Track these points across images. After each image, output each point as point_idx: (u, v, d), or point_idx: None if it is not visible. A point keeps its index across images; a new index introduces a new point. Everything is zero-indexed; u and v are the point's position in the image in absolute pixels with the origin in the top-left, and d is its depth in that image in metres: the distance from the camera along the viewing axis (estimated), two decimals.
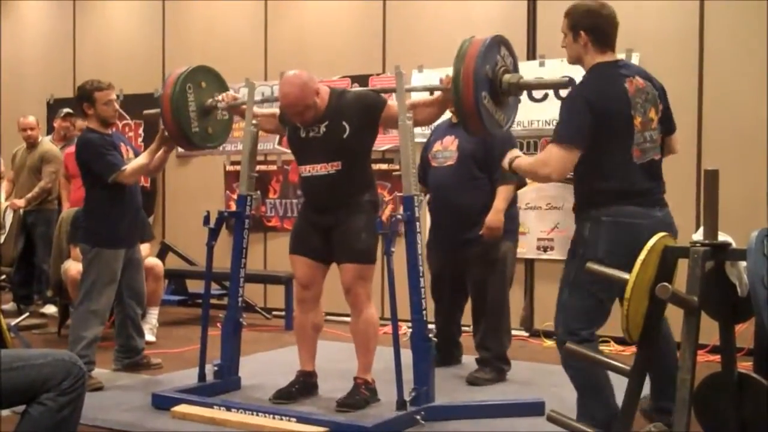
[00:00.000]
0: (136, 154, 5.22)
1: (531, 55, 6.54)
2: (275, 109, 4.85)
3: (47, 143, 7.79)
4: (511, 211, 5.05)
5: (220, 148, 5.12)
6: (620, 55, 3.78)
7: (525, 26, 6.60)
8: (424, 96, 4.65)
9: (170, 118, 4.83)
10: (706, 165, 3.92)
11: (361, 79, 7.13)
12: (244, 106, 4.86)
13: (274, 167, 7.73)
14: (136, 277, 5.27)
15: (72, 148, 7.26)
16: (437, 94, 4.42)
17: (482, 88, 3.87)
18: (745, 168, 5.70)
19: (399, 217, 4.19)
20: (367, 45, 7.28)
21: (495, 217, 4.87)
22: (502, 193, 4.90)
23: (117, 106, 5.12)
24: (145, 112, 5.35)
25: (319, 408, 4.36)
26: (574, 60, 3.67)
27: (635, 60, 6.04)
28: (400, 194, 4.28)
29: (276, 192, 7.73)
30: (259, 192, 5.03)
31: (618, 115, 3.46)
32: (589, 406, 3.60)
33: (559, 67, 6.30)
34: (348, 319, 4.68)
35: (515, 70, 4.08)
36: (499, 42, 4.02)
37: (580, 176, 3.60)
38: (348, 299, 4.43)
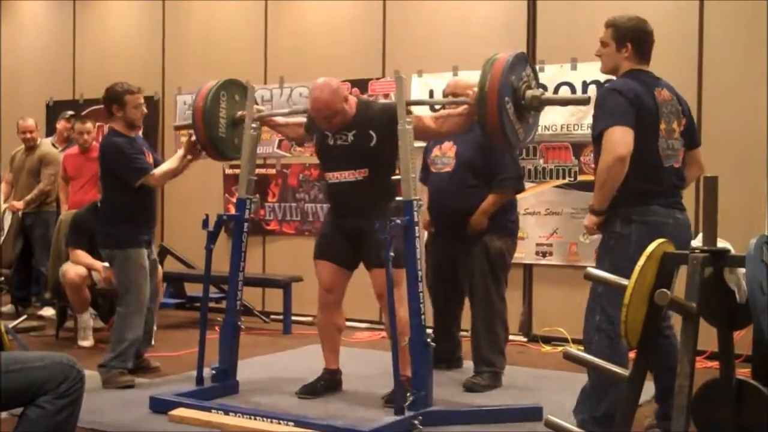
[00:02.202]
0: (155, 160, 5.29)
1: (530, 60, 6.53)
2: (301, 118, 4.95)
3: (46, 145, 7.79)
4: (510, 216, 5.07)
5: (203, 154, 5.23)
6: None
7: (525, 31, 6.60)
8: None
9: (202, 130, 4.93)
10: (706, 170, 3.92)
11: (361, 83, 7.13)
12: (270, 119, 5.04)
13: (273, 171, 7.73)
14: (155, 277, 5.35)
15: (71, 150, 7.30)
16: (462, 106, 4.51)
17: (506, 102, 4.02)
18: (745, 174, 5.71)
19: (398, 221, 4.18)
20: (366, 49, 7.29)
21: (478, 218, 4.93)
22: (493, 198, 4.94)
23: (144, 110, 5.21)
24: (176, 124, 5.40)
25: (318, 412, 4.36)
26: (611, 69, 3.84)
27: None
28: (399, 198, 4.28)
29: (275, 196, 7.73)
30: (258, 195, 5.06)
31: (648, 116, 3.63)
32: (596, 397, 3.69)
33: (558, 73, 6.32)
34: (351, 324, 4.68)
35: (537, 87, 4.25)
36: (523, 59, 4.22)
37: None
38: (381, 303, 4.60)
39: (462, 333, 5.50)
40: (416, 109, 4.75)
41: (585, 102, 4.26)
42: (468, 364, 5.35)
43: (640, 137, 3.59)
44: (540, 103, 4.18)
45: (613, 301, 3.56)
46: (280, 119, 5.09)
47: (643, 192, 3.64)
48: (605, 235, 3.74)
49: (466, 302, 5.24)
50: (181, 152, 5.15)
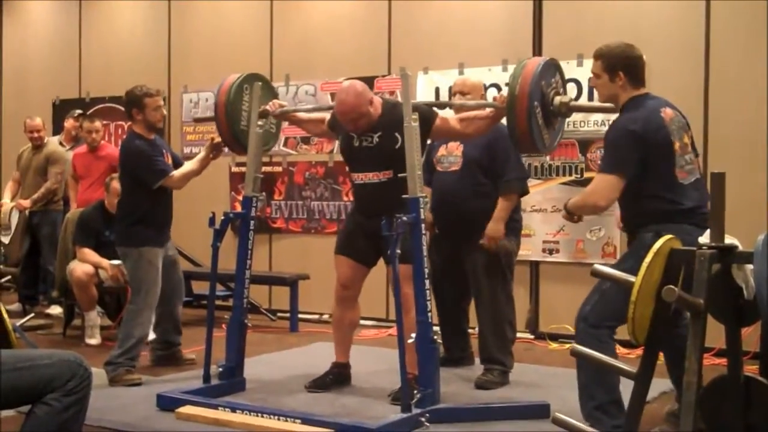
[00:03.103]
0: (174, 159, 5.35)
1: (549, 57, 6.52)
2: (323, 114, 5.01)
3: (53, 144, 7.80)
4: (515, 215, 5.07)
5: (225, 149, 5.26)
6: None
7: (531, 28, 6.59)
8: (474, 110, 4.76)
9: (225, 124, 4.97)
10: (713, 168, 3.91)
11: (366, 81, 7.07)
12: (293, 114, 5.10)
13: (279, 169, 7.73)
14: (175, 272, 5.40)
15: (81, 149, 7.31)
16: (488, 109, 4.57)
17: (535, 107, 4.07)
18: (752, 171, 5.69)
19: (405, 219, 4.18)
20: (372, 46, 7.28)
21: (495, 226, 4.92)
22: (503, 204, 4.93)
23: (164, 112, 5.27)
24: (196, 117, 5.39)
25: (325, 409, 4.36)
26: (608, 99, 3.90)
27: None
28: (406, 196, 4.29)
29: (281, 193, 7.73)
30: (264, 193, 5.07)
31: (662, 140, 3.71)
32: (591, 387, 3.73)
33: (564, 69, 6.27)
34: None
35: (565, 93, 4.32)
36: (552, 65, 4.28)
37: (631, 198, 3.78)
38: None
39: (470, 330, 5.50)
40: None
41: (614, 110, 4.22)
42: (478, 362, 5.37)
43: (655, 164, 3.70)
44: (568, 110, 4.24)
45: (610, 300, 3.64)
46: (302, 115, 5.13)
47: (670, 211, 3.70)
48: (636, 243, 3.78)
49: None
50: (202, 154, 5.22)
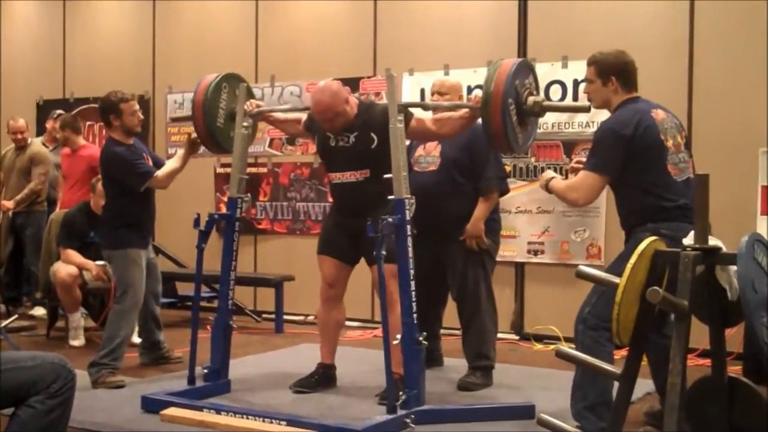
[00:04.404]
0: (154, 160, 5.37)
1: (522, 57, 6.54)
2: (299, 115, 5.02)
3: (37, 145, 7.76)
4: (494, 215, 5.09)
5: (201, 148, 5.29)
6: None
7: (516, 30, 6.60)
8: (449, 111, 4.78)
9: (202, 124, 4.98)
10: (697, 169, 3.93)
11: (352, 82, 7.11)
12: (269, 114, 5.09)
13: (264, 170, 7.72)
14: (154, 276, 5.46)
15: (66, 150, 7.27)
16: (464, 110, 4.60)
17: (510, 104, 4.13)
18: (736, 173, 5.72)
19: (390, 220, 4.18)
20: (357, 48, 7.28)
21: (475, 225, 4.94)
22: (483, 203, 4.96)
23: (141, 116, 5.28)
24: (173, 116, 5.37)
25: (310, 410, 4.36)
26: (602, 104, 4.01)
27: None
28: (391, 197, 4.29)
29: (266, 195, 7.72)
30: (249, 195, 5.07)
31: (651, 139, 3.78)
32: (585, 386, 3.76)
33: (549, 71, 6.33)
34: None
35: (537, 92, 4.40)
36: (526, 66, 4.36)
37: (628, 196, 3.87)
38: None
39: (442, 331, 5.51)
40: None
41: (586, 110, 4.30)
42: (449, 362, 5.39)
43: (646, 163, 3.78)
44: (541, 109, 4.28)
45: (608, 302, 3.62)
46: (278, 115, 5.14)
47: (666, 208, 3.76)
48: (632, 243, 3.75)
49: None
50: (182, 151, 5.25)
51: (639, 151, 3.76)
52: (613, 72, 3.90)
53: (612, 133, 3.80)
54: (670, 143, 3.83)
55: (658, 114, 3.88)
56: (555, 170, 6.36)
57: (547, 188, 4.04)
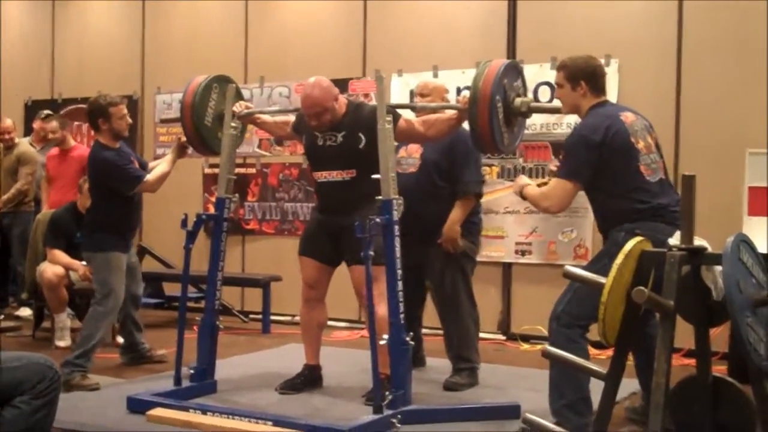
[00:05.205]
0: (140, 163, 5.36)
1: (511, 59, 6.56)
2: (287, 117, 5.05)
3: (24, 145, 7.73)
4: (473, 218, 5.08)
5: (190, 150, 5.29)
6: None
7: (505, 31, 6.62)
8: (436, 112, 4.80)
9: (190, 126, 4.98)
10: (683, 170, 3.95)
11: (341, 83, 7.11)
12: (257, 116, 5.10)
13: (253, 170, 7.71)
14: (135, 279, 5.47)
15: (54, 150, 7.25)
16: (451, 111, 4.62)
17: (497, 101, 4.15)
18: (723, 172, 5.74)
19: (378, 220, 4.18)
20: (347, 49, 7.28)
21: (451, 227, 4.93)
22: (460, 206, 4.95)
23: (129, 120, 5.28)
24: (162, 117, 5.35)
25: (297, 411, 4.35)
26: (571, 109, 4.06)
27: (614, 66, 6.09)
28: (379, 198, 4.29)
29: (254, 195, 7.71)
30: (237, 195, 5.06)
31: (621, 142, 3.81)
32: (562, 385, 3.79)
33: (538, 72, 6.34)
34: (330, 323, 4.77)
35: (525, 94, 4.43)
36: (516, 68, 4.40)
37: (602, 201, 3.92)
38: (360, 300, 4.69)
39: (424, 331, 5.50)
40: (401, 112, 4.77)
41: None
42: (431, 362, 5.39)
43: (617, 166, 3.81)
44: (528, 109, 4.30)
45: (582, 300, 3.69)
46: (266, 117, 5.14)
47: (640, 209, 3.78)
48: (609, 242, 3.86)
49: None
50: (170, 156, 5.26)
51: (610, 155, 3.79)
52: (582, 76, 3.94)
53: (582, 139, 3.84)
54: (641, 145, 3.86)
55: (628, 117, 3.92)
56: (542, 170, 6.39)
57: (522, 195, 4.07)
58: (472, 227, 5.07)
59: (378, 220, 4.17)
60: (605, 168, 3.80)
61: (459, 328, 5.02)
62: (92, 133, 5.39)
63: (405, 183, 4.94)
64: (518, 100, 4.26)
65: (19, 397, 2.64)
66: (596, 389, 3.38)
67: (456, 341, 5.03)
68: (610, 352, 3.06)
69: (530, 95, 5.89)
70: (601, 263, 3.66)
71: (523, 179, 4.14)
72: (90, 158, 5.24)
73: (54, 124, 7.16)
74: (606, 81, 4.05)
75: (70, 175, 6.89)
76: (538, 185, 4.08)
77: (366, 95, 6.91)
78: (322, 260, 4.75)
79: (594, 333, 2.99)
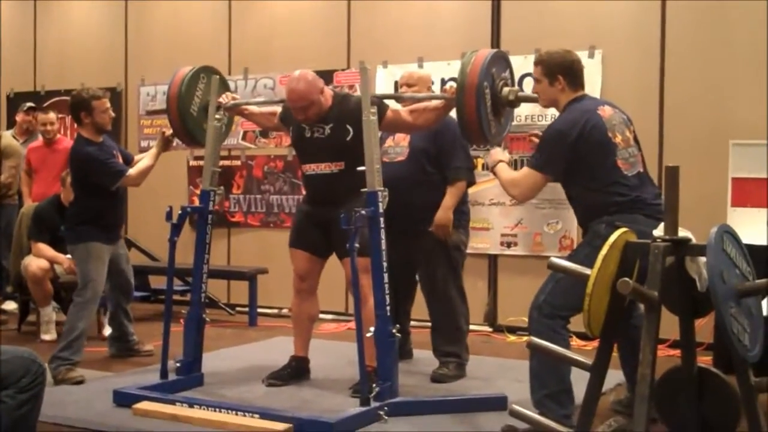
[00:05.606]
0: (124, 156, 5.37)
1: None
2: (275, 108, 5.02)
3: (7, 138, 7.66)
4: (462, 207, 5.08)
5: (176, 142, 5.29)
6: (583, 52, 3.98)
7: (489, 22, 6.62)
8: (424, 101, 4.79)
9: (176, 117, 4.97)
10: (667, 161, 3.98)
11: (326, 75, 7.09)
12: (244, 107, 5.09)
13: (238, 162, 7.69)
14: (125, 269, 5.47)
15: (36, 143, 7.22)
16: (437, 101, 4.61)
17: (485, 88, 4.14)
18: (706, 165, 5.76)
19: (363, 212, 4.19)
20: (331, 40, 7.26)
21: (443, 214, 4.93)
22: (452, 192, 4.95)
23: (112, 114, 5.26)
24: (148, 109, 5.32)
25: (284, 403, 4.35)
26: (550, 103, 4.07)
27: (598, 57, 6.10)
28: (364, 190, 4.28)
29: (240, 187, 7.69)
30: (222, 187, 5.05)
31: (598, 137, 3.82)
32: (543, 375, 3.80)
33: (522, 63, 6.33)
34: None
35: (513, 85, 4.40)
36: (503, 57, 4.39)
37: (580, 195, 3.93)
38: (352, 291, 4.59)
39: (412, 323, 5.50)
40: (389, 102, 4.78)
41: None
42: (418, 354, 5.39)
43: (594, 160, 3.82)
44: (516, 99, 4.28)
45: (564, 290, 3.71)
46: (253, 108, 5.13)
47: (619, 202, 3.79)
48: (590, 234, 3.87)
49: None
50: (154, 150, 5.26)
51: (587, 150, 3.81)
52: (560, 71, 3.94)
53: (558, 134, 3.86)
54: (618, 139, 3.87)
55: (605, 111, 3.93)
56: (527, 162, 6.39)
57: (493, 170, 4.11)
58: (462, 218, 5.07)
59: (363, 212, 4.17)
60: (582, 163, 3.82)
61: (449, 327, 5.02)
62: (75, 126, 5.36)
63: (394, 172, 4.95)
64: (506, 90, 4.26)
65: (4, 392, 2.63)
66: (577, 381, 3.41)
67: (445, 339, 5.03)
68: (595, 344, 3.07)
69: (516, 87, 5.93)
70: (581, 254, 3.68)
71: (499, 153, 4.14)
72: (72, 152, 5.22)
73: (51, 115, 7.13)
74: (584, 75, 4.04)
75: (57, 168, 6.84)
76: None
77: (351, 87, 6.90)
78: (313, 252, 4.76)
79: (579, 324, 3.00)
